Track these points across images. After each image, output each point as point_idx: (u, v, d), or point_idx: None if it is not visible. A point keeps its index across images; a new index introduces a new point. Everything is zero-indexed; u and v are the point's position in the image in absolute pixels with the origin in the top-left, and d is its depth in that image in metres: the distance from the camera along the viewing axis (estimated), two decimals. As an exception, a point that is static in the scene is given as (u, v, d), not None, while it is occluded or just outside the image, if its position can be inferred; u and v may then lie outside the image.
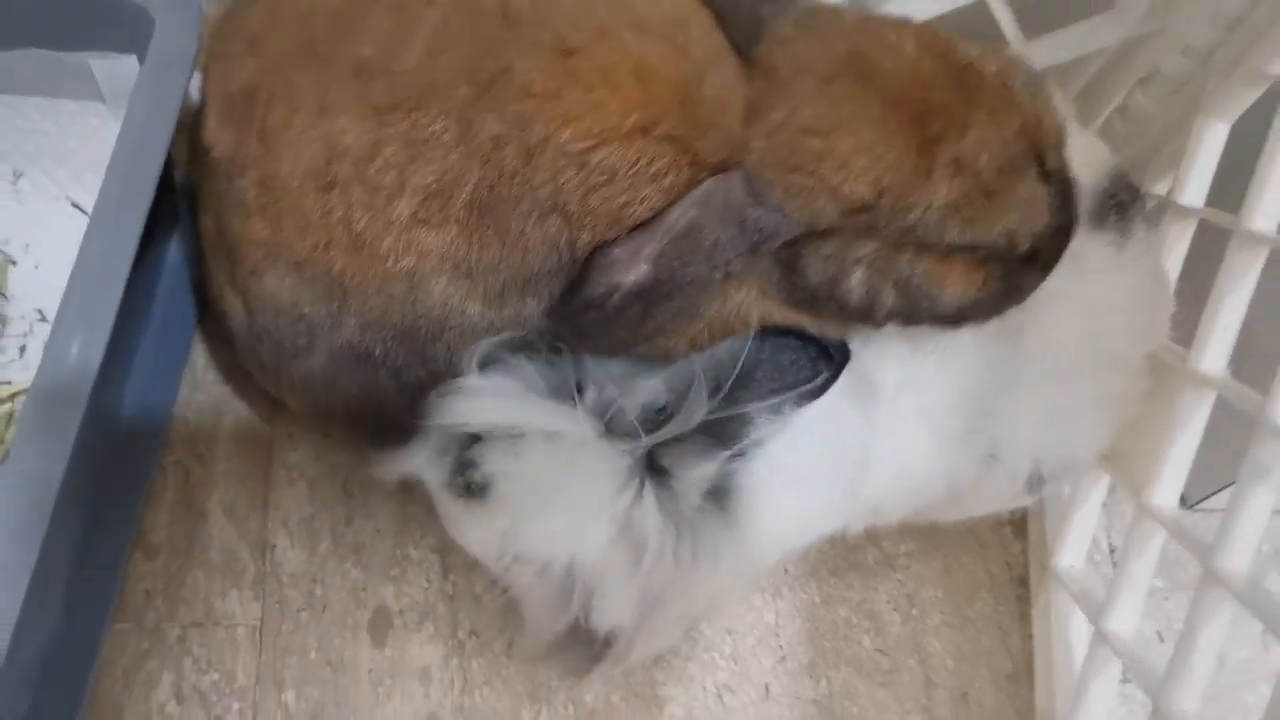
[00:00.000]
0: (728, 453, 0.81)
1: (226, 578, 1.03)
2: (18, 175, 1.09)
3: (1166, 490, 1.00)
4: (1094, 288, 0.95)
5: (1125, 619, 1.01)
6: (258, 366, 0.93)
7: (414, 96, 0.75)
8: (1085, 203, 0.94)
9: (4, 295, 1.06)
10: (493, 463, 0.79)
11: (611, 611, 0.83)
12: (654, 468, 0.81)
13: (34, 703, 0.88)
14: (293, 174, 0.78)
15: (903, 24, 0.75)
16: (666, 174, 0.74)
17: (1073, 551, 1.15)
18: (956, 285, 0.78)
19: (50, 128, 1.07)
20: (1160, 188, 1.11)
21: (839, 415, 0.87)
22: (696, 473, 0.81)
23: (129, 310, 0.97)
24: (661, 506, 0.80)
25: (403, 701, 1.02)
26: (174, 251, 1.05)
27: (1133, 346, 0.99)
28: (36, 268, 1.08)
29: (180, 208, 1.00)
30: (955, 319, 0.81)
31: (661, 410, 0.80)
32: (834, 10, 0.78)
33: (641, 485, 0.80)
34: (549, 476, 0.79)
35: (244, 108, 0.81)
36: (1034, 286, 0.83)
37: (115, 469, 0.99)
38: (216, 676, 0.99)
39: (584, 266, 0.75)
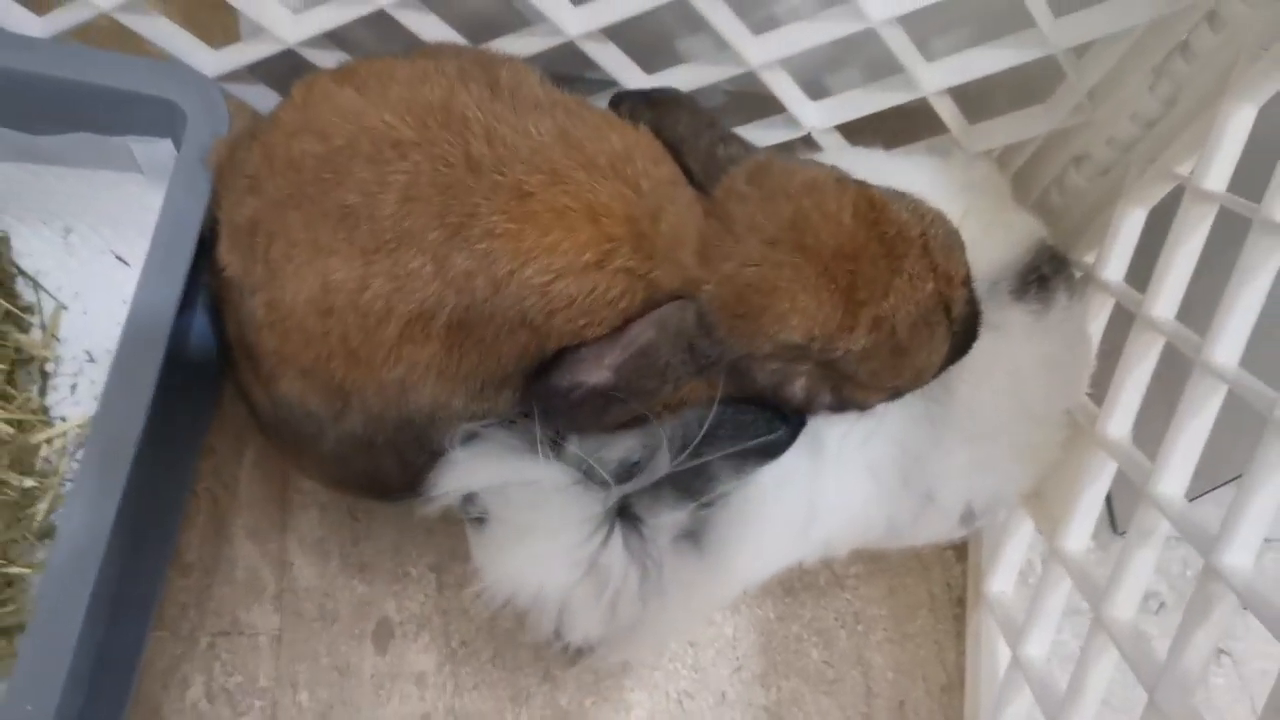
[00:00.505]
0: (694, 504, 0.94)
1: (250, 593, 1.18)
2: (68, 231, 1.23)
3: (1076, 535, 1.12)
4: (1016, 352, 1.05)
5: (1037, 646, 1.14)
6: (281, 446, 1.06)
7: (394, 239, 0.85)
8: (1008, 276, 1.06)
9: (57, 338, 1.20)
10: (486, 498, 0.94)
11: (580, 630, 0.97)
12: (627, 514, 0.94)
13: (88, 698, 1.04)
14: (295, 301, 0.88)
15: (844, 188, 0.84)
16: (621, 299, 0.85)
17: (1002, 578, 1.28)
18: (874, 397, 0.92)
19: (95, 192, 1.20)
20: (1089, 257, 1.22)
21: (793, 468, 0.99)
22: (667, 519, 0.95)
23: (171, 352, 1.12)
24: (629, 548, 0.94)
25: (401, 703, 1.17)
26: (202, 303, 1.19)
27: (1052, 403, 1.11)
28: (85, 313, 1.22)
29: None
30: (875, 408, 0.95)
31: (635, 464, 0.93)
32: (784, 168, 0.86)
33: (610, 529, 0.94)
34: (525, 516, 0.93)
35: (248, 239, 0.91)
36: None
37: (156, 496, 1.14)
38: (241, 679, 1.15)
39: (555, 357, 0.88)
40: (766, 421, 0.94)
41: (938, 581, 1.35)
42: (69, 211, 1.22)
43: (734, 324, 0.84)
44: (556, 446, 0.93)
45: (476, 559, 0.97)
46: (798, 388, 0.90)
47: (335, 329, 0.89)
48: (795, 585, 1.31)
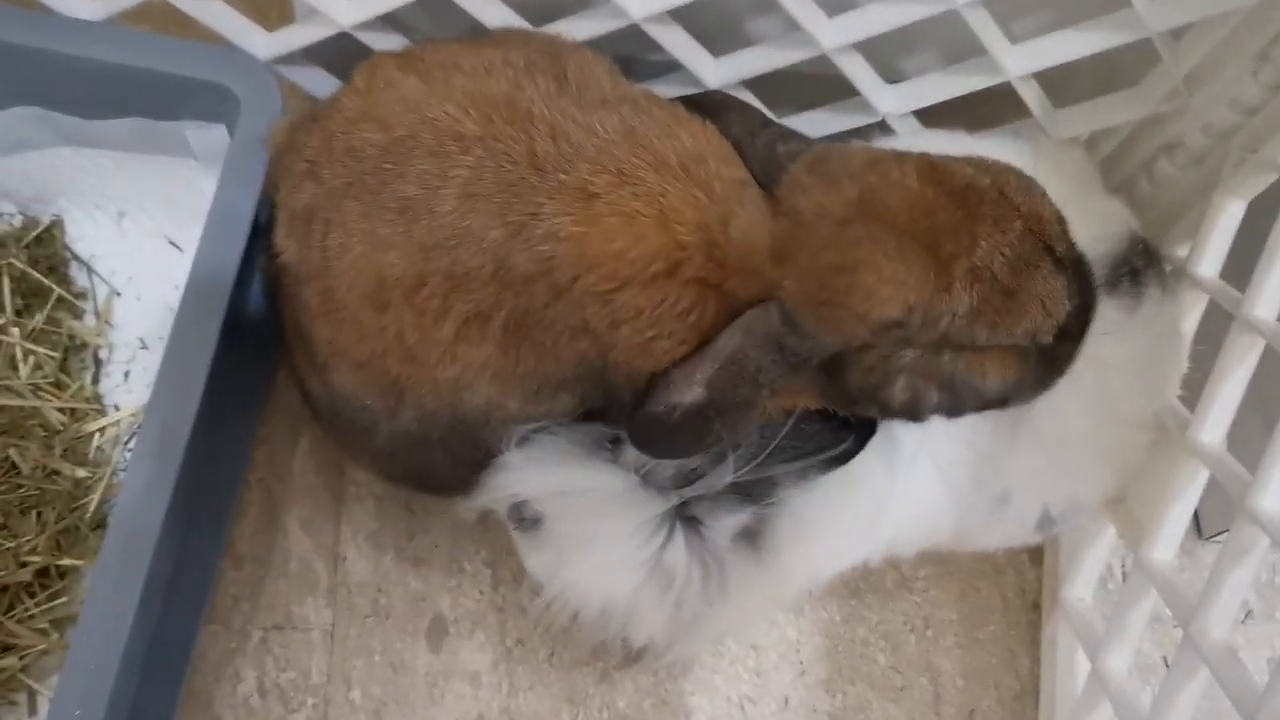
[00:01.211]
0: (755, 507, 0.92)
1: (303, 586, 1.16)
2: (121, 215, 1.21)
3: (1162, 547, 1.07)
4: (1103, 350, 1.00)
5: (1118, 659, 1.09)
6: (334, 436, 1.04)
7: (454, 237, 0.82)
8: (1099, 269, 1.00)
9: (110, 325, 1.19)
10: (541, 502, 0.91)
11: (643, 631, 0.95)
12: (686, 515, 0.92)
13: (139, 691, 1.02)
14: (350, 293, 0.86)
15: (904, 158, 0.80)
16: (692, 312, 0.81)
17: (1082, 585, 1.22)
18: (996, 372, 0.83)
19: (149, 177, 1.18)
20: (1181, 251, 1.15)
21: (862, 466, 0.95)
22: (727, 522, 0.92)
23: (224, 342, 1.10)
24: (690, 549, 0.92)
25: (455, 701, 1.15)
26: (257, 292, 1.17)
27: (1139, 405, 1.05)
28: (138, 299, 1.20)
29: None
30: (1001, 402, 0.87)
31: (694, 470, 0.91)
32: (842, 151, 0.82)
33: (671, 531, 0.91)
34: (586, 523, 0.91)
35: (305, 226, 0.89)
36: (1071, 357, 0.87)
37: (209, 485, 1.12)
38: (294, 674, 1.13)
39: (648, 385, 0.84)
40: (833, 432, 0.91)
41: (1011, 586, 1.29)
42: (123, 196, 1.20)
43: (821, 313, 0.78)
44: (614, 448, 0.90)
45: (533, 568, 0.94)
46: (899, 388, 0.83)
47: (391, 325, 0.86)
48: (861, 587, 1.26)
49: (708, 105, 0.92)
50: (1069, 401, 0.99)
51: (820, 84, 1.15)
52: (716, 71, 1.09)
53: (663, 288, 0.81)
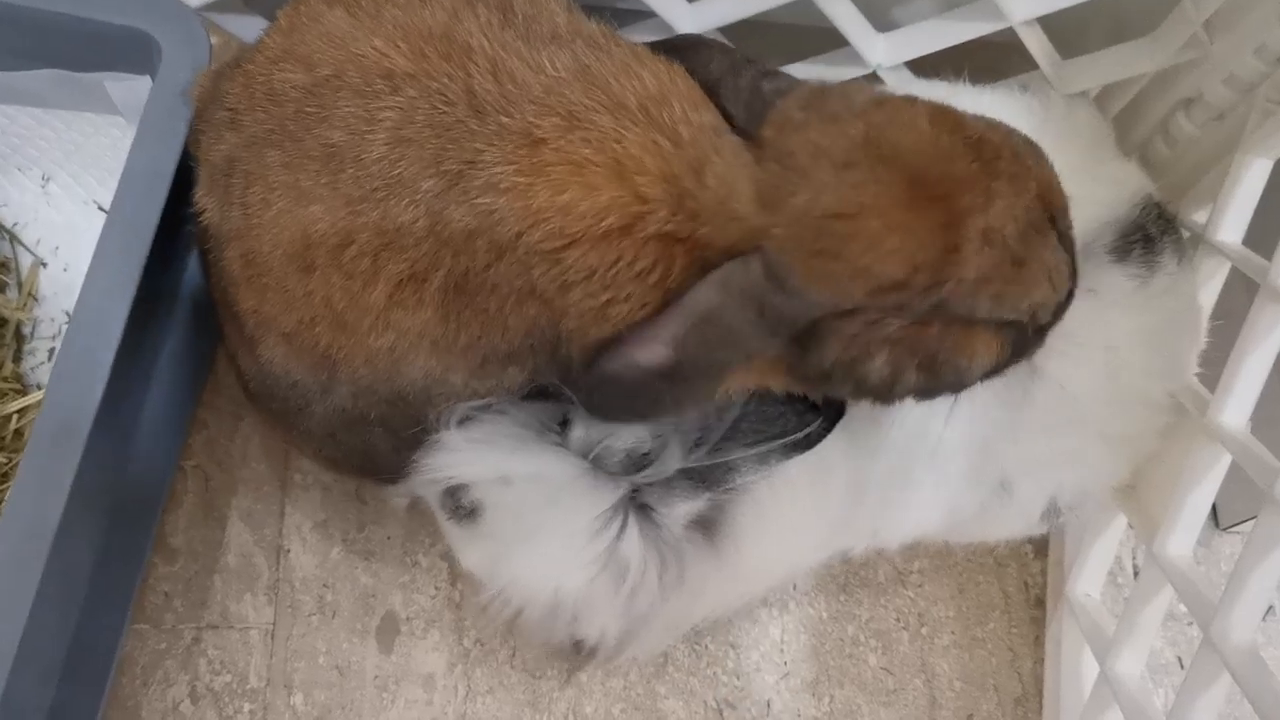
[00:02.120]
0: (710, 494, 0.83)
1: (241, 582, 1.07)
2: (47, 179, 1.12)
3: (1178, 540, 0.97)
4: (1114, 323, 0.92)
5: (1130, 662, 1.00)
6: (268, 417, 0.95)
7: (382, 188, 0.73)
8: (1109, 236, 0.92)
9: (34, 298, 1.10)
10: (481, 490, 0.82)
11: (596, 626, 0.86)
12: (639, 503, 0.83)
13: (57, 698, 0.94)
14: (274, 254, 0.78)
15: (912, 100, 0.71)
16: (653, 271, 0.72)
17: (1089, 580, 1.13)
18: (983, 354, 0.75)
19: (75, 137, 1.09)
20: (1199, 216, 1.06)
21: (836, 450, 0.87)
22: (680, 509, 0.84)
23: (150, 314, 1.00)
24: (644, 537, 0.83)
25: (406, 707, 1.05)
26: (194, 259, 1.07)
27: (1153, 384, 0.96)
28: (65, 270, 1.11)
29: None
30: (966, 387, 0.79)
31: (646, 455, 0.82)
32: (842, 90, 0.73)
33: (625, 521, 0.82)
34: (534, 512, 0.82)
35: (225, 180, 0.81)
36: (1036, 349, 0.79)
37: (136, 472, 1.03)
38: (229, 678, 1.04)
39: (606, 342, 0.74)
40: (797, 415, 0.83)
41: (1013, 580, 1.20)
42: (48, 159, 1.11)
43: (814, 266, 0.68)
44: (563, 431, 0.82)
45: (471, 564, 0.85)
46: (878, 363, 0.73)
47: (318, 289, 0.78)
48: (851, 581, 1.17)
49: (681, 46, 0.82)
50: (1077, 380, 0.91)
51: (805, 36, 1.06)
52: (692, 17, 1.00)
53: (617, 245, 0.71)
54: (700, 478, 0.83)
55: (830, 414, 0.83)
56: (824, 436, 0.83)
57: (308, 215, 0.76)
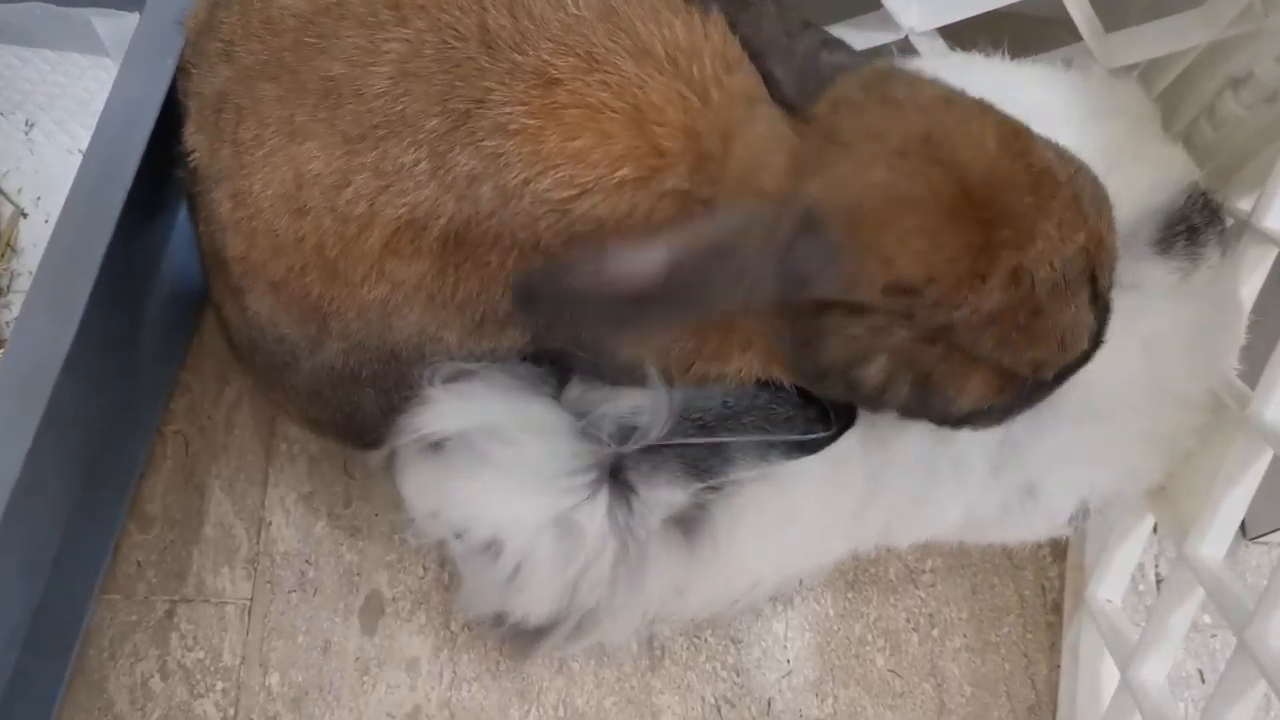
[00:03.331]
0: (701, 485, 0.78)
1: (219, 553, 1.02)
2: (30, 125, 1.06)
3: (1212, 541, 0.92)
4: (1154, 317, 0.87)
5: (1154, 670, 0.94)
6: (253, 374, 0.90)
7: (383, 125, 0.69)
8: (1153, 226, 0.87)
9: (13, 249, 1.04)
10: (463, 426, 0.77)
11: (525, 602, 0.81)
12: (620, 480, 0.78)
13: (18, 666, 0.88)
14: (264, 195, 0.73)
15: (985, 111, 0.66)
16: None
17: (1111, 585, 1.07)
18: (975, 391, 0.70)
19: (60, 79, 1.04)
20: (1244, 203, 1.00)
21: (849, 440, 0.82)
22: (663, 496, 0.79)
23: (133, 267, 0.95)
24: (611, 517, 0.78)
25: (388, 692, 1.00)
26: (184, 212, 1.02)
27: (1191, 382, 0.91)
28: (47, 221, 1.06)
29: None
30: (958, 421, 0.74)
31: (636, 429, 0.78)
32: (911, 79, 0.68)
33: (596, 490, 0.77)
34: (501, 446, 0.76)
35: (216, 116, 0.76)
36: (1043, 398, 0.74)
37: (111, 433, 0.98)
38: (202, 654, 0.99)
39: (576, 249, 0.68)
40: (805, 421, 0.78)
41: (1030, 583, 1.14)
42: (31, 103, 1.06)
43: (849, 231, 0.63)
44: (557, 389, 0.78)
45: (409, 485, 0.80)
46: (873, 369, 0.69)
47: (310, 234, 0.73)
48: (860, 578, 1.11)
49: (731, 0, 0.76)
50: (1110, 376, 0.85)
51: (834, -1, 1.00)
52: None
53: (631, 197, 0.66)
54: (693, 463, 0.78)
55: (841, 422, 0.78)
56: (826, 445, 0.79)
57: (302, 153, 0.71)
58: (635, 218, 0.67)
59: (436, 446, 0.77)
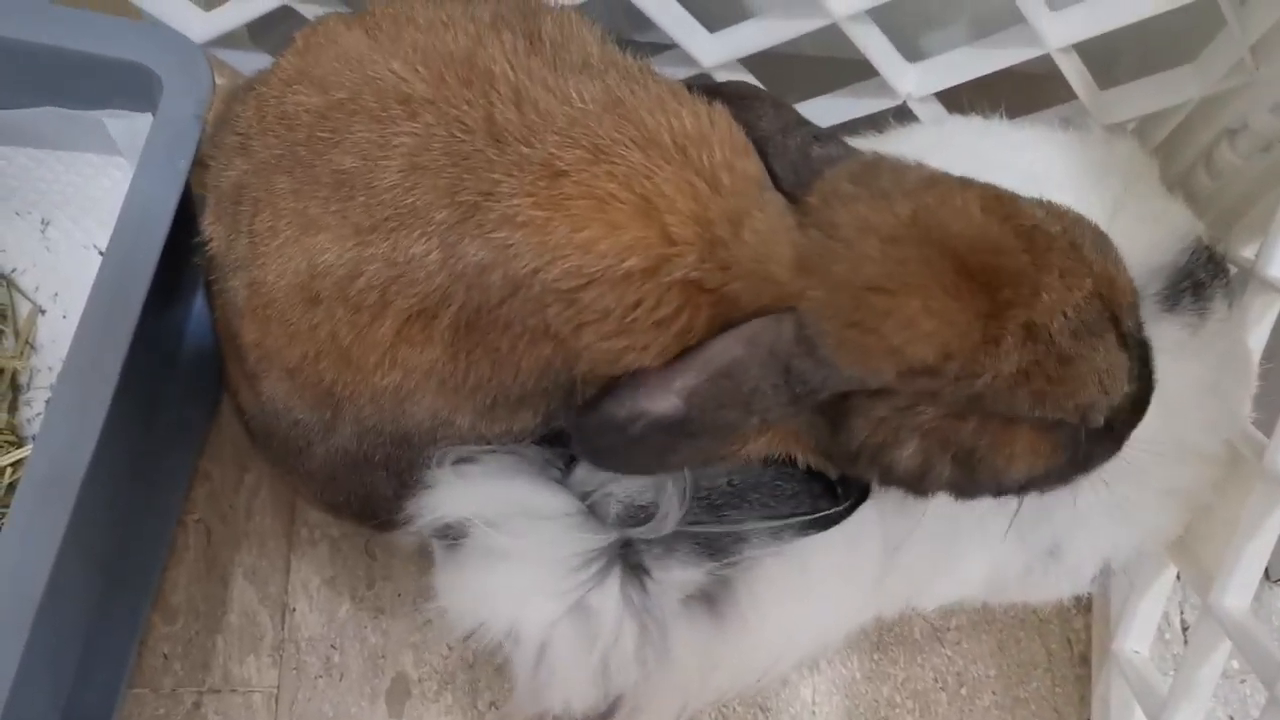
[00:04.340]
0: (716, 564, 0.78)
1: (245, 642, 1.02)
2: (46, 223, 1.08)
3: (1236, 592, 0.91)
4: (1166, 375, 0.86)
5: (1186, 724, 0.94)
6: (269, 458, 0.91)
7: (394, 218, 0.70)
8: (1159, 284, 0.88)
9: (32, 346, 1.05)
10: (468, 525, 0.77)
11: (563, 690, 0.80)
12: (632, 563, 0.78)
13: (50, 770, 0.88)
14: (279, 284, 0.74)
15: (968, 184, 0.68)
16: (674, 320, 0.68)
17: (1138, 636, 1.07)
18: (1025, 456, 0.70)
19: (75, 179, 1.05)
20: (1247, 251, 1.01)
21: (868, 511, 0.81)
22: (677, 576, 0.78)
23: (153, 361, 0.96)
24: (625, 599, 0.77)
25: (418, 775, 1.00)
26: (201, 303, 1.03)
27: (1210, 435, 0.91)
28: (65, 317, 1.07)
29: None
30: (1018, 491, 0.74)
31: (644, 509, 0.77)
32: (894, 165, 0.70)
33: (607, 573, 0.77)
34: (512, 537, 0.76)
35: (233, 207, 0.77)
36: (1106, 459, 0.74)
37: (134, 527, 0.98)
38: (231, 745, 0.99)
39: (612, 382, 0.70)
40: (812, 498, 0.78)
41: (1056, 637, 1.14)
42: (47, 201, 1.08)
43: (847, 337, 0.65)
44: (566, 469, 0.78)
45: (440, 583, 0.81)
46: (907, 452, 0.69)
47: (323, 323, 0.74)
48: (886, 639, 1.11)
49: (732, 95, 0.78)
50: (1133, 435, 0.85)
51: (831, 68, 1.02)
52: (713, 48, 0.97)
53: (638, 288, 0.67)
54: (706, 543, 0.78)
55: (854, 498, 0.78)
56: (838, 521, 0.78)
57: (315, 244, 0.72)
58: (641, 311, 0.67)
59: (456, 542, 0.77)
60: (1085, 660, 1.13)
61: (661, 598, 0.78)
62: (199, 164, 0.85)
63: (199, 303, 1.03)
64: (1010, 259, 0.65)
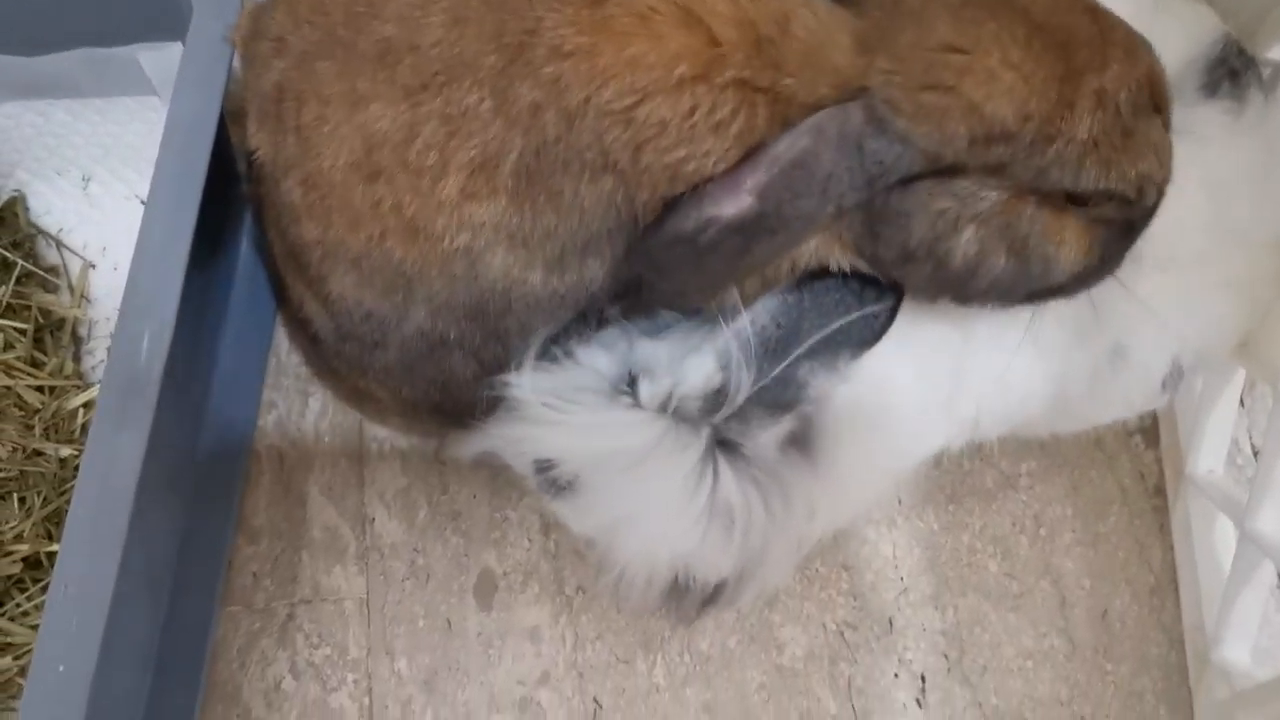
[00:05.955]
0: (790, 415, 0.78)
1: (330, 555, 1.03)
2: (87, 179, 1.10)
3: (1309, 379, 0.91)
4: (1213, 161, 0.87)
5: (1273, 518, 0.93)
6: (345, 365, 0.91)
7: (443, 71, 0.70)
8: (1195, 72, 0.88)
9: (87, 299, 1.08)
10: (570, 465, 0.78)
11: (715, 571, 0.81)
12: (722, 442, 0.78)
13: (154, 686, 0.90)
14: (335, 169, 0.74)
15: None
16: (733, 121, 0.68)
17: (1211, 455, 1.07)
18: (1072, 244, 0.71)
19: (112, 128, 1.07)
20: (1275, 53, 1.01)
21: (929, 330, 0.82)
22: (764, 437, 0.79)
23: (206, 299, 0.97)
24: (739, 475, 0.78)
25: (515, 662, 1.01)
26: (247, 240, 1.05)
27: (1259, 222, 0.91)
28: (115, 269, 1.09)
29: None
30: (1060, 289, 0.75)
31: (719, 392, 0.77)
32: None
33: (716, 467, 0.77)
34: (628, 488, 0.77)
35: (276, 108, 0.78)
36: (1123, 256, 0.76)
37: (210, 455, 1.00)
38: (329, 650, 1.00)
39: (675, 199, 0.70)
40: (855, 296, 0.77)
41: (1127, 472, 1.14)
42: (86, 156, 1.10)
43: (922, 101, 0.64)
44: (632, 389, 0.77)
45: (583, 530, 0.82)
46: (965, 239, 0.70)
47: (386, 197, 0.74)
48: (958, 490, 1.11)
49: None
50: (1178, 224, 0.85)
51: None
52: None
53: (692, 94, 0.67)
54: (773, 402, 0.78)
55: (895, 293, 0.78)
56: (890, 321, 0.78)
57: (368, 117, 0.72)
58: (699, 116, 0.67)
59: (570, 489, 0.78)
60: (1159, 492, 1.13)
61: (762, 455, 0.78)
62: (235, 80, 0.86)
63: (244, 238, 1.04)
64: (1082, 25, 0.65)
